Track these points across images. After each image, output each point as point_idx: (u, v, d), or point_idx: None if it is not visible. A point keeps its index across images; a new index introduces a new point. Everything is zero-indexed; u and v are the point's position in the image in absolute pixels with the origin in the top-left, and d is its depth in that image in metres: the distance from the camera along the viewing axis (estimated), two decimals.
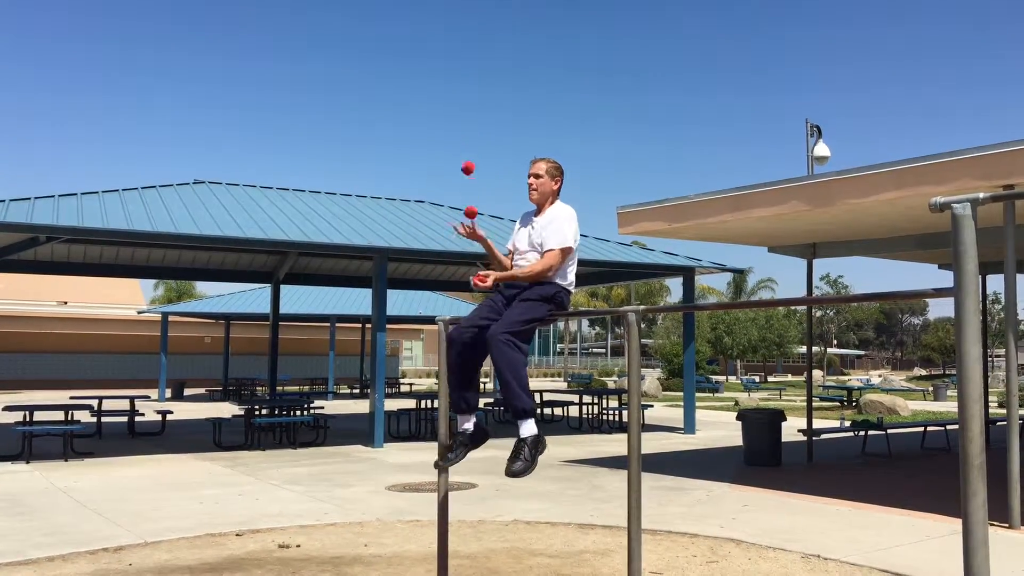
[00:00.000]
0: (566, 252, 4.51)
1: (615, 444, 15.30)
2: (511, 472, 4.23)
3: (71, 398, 16.41)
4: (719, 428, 18.62)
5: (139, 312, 37.48)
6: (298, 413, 16.01)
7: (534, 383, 40.41)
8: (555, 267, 4.47)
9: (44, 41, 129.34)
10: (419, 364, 58.50)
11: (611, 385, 38.43)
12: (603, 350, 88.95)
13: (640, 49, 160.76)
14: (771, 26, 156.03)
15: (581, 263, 13.57)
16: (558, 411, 20.86)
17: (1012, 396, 8.75)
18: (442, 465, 4.74)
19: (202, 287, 61.63)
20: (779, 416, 12.50)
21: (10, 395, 30.25)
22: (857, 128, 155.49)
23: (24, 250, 14.79)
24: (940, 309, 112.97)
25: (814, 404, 16.84)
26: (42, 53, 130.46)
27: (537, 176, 4.65)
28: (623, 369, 55.20)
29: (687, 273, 18.15)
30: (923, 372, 77.09)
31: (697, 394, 26.06)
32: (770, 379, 59.02)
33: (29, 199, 13.69)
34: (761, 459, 12.31)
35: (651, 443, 15.09)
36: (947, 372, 64.04)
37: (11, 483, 10.50)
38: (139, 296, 50.08)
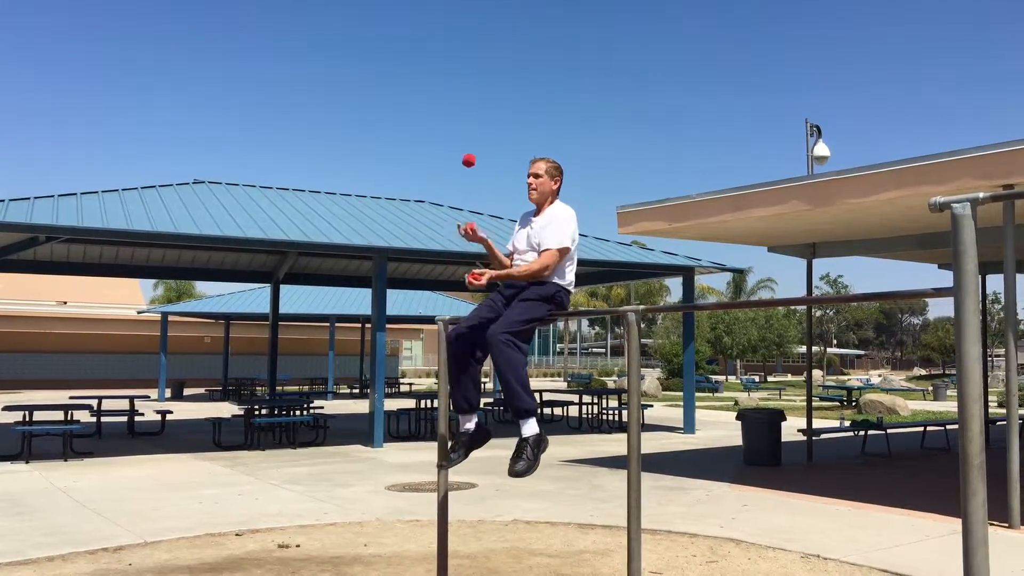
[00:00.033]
0: (563, 252, 4.49)
1: (615, 444, 15.31)
2: (514, 472, 4.23)
3: (71, 398, 16.40)
4: (719, 428, 18.62)
5: (139, 312, 37.48)
6: (298, 413, 16.00)
7: (534, 383, 40.34)
8: (552, 267, 4.46)
9: (44, 41, 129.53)
10: (419, 364, 58.50)
11: (611, 385, 38.45)
12: (603, 350, 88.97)
13: (640, 49, 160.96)
14: (771, 26, 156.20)
15: (581, 263, 13.57)
16: (558, 411, 20.87)
17: (1012, 396, 8.75)
18: (445, 465, 4.74)
19: (202, 287, 61.72)
20: (779, 416, 12.50)
21: (10, 395, 30.24)
22: (857, 128, 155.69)
23: (24, 250, 14.79)
24: (940, 309, 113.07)
25: (814, 404, 16.84)
26: (42, 53, 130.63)
27: (536, 176, 4.64)
28: (623, 369, 55.22)
29: (687, 273, 18.16)
30: (923, 372, 77.08)
31: (697, 394, 26.08)
32: (770, 379, 59.00)
33: (29, 199, 13.68)
34: (761, 459, 12.31)
35: (651, 443, 15.09)
36: (947, 372, 64.01)
37: (11, 483, 10.50)
38: (139, 296, 50.06)
